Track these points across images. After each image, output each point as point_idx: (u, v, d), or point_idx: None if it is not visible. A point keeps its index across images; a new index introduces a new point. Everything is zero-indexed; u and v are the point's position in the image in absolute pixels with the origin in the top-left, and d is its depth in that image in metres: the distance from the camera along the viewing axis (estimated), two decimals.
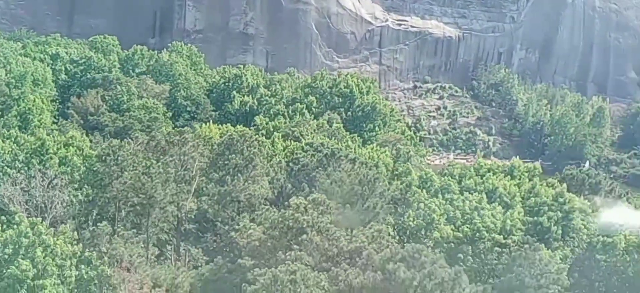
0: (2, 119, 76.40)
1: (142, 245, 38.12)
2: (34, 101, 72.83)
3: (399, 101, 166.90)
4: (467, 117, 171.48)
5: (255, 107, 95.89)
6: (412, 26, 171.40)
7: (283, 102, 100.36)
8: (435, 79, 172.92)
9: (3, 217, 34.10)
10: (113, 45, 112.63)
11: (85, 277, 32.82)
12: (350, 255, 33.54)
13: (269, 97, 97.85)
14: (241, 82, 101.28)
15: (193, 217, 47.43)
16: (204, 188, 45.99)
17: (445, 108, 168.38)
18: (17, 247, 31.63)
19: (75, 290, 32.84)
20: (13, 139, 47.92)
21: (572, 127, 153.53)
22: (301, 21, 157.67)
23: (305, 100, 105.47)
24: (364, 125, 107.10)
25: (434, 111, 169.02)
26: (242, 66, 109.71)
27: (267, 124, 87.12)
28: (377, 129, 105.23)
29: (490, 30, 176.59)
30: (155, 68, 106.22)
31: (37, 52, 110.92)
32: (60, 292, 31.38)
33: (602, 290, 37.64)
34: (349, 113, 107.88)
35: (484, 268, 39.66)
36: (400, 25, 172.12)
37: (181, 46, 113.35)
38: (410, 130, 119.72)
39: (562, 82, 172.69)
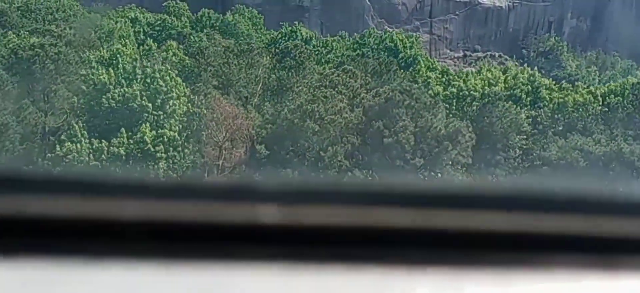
0: None
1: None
2: (126, 45, 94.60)
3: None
4: None
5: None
6: None
7: (334, 53, 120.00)
8: (485, 47, 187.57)
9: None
10: (183, 10, 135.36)
11: (191, 111, 53.77)
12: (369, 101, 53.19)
13: (321, 48, 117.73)
14: (296, 36, 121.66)
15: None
16: (267, 81, 66.44)
17: None
18: (154, 75, 52.85)
19: (185, 118, 53.88)
20: (126, 52, 69.62)
21: None
22: None
23: (354, 53, 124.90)
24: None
25: None
26: (296, 22, 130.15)
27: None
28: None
29: None
30: (221, 27, 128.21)
31: (117, 16, 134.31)
32: (181, 108, 52.75)
33: (551, 132, 55.56)
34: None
35: (463, 115, 58.33)
36: None
37: (243, 9, 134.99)
38: None
39: (614, 50, 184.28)
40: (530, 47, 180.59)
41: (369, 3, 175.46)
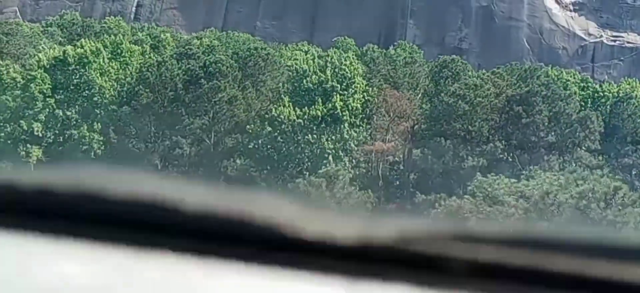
0: None
1: None
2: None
3: None
4: None
5: None
6: (627, 42, 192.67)
7: None
8: None
9: None
10: (350, 44, 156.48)
11: (366, 98, 72.69)
12: None
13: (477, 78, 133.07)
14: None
15: None
16: (426, 88, 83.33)
17: None
18: (341, 66, 72.03)
19: (363, 98, 72.67)
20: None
21: None
22: (513, 37, 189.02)
23: None
24: None
25: None
26: (455, 56, 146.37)
27: None
28: None
29: None
30: (384, 60, 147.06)
31: (291, 50, 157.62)
32: (360, 93, 71.75)
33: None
34: None
35: (597, 112, 71.92)
36: (615, 41, 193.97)
37: (405, 44, 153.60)
38: None
39: None
40: None
41: (528, 46, 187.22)
